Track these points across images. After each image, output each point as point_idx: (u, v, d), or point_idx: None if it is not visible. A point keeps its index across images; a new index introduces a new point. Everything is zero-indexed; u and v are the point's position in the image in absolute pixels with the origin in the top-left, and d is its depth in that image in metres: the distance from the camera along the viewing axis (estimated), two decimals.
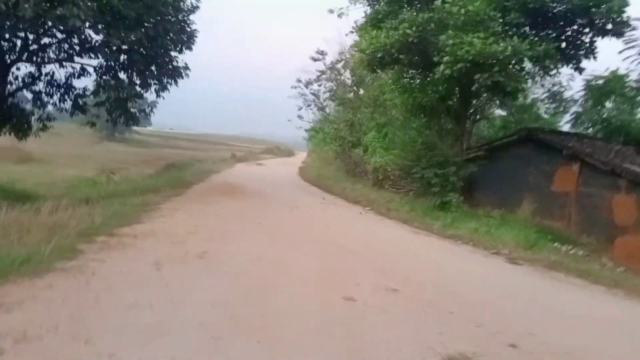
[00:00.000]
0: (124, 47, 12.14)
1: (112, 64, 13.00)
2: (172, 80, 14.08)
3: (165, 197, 12.19)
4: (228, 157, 40.86)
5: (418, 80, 14.98)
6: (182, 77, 14.21)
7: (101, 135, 53.47)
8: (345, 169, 24.65)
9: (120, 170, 21.22)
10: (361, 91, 24.27)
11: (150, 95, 14.62)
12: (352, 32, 16.20)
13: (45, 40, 12.78)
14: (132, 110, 14.24)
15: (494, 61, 11.43)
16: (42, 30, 11.48)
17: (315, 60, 27.21)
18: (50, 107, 14.08)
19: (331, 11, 18.32)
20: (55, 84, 13.68)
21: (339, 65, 26.56)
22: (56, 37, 12.70)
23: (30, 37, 12.43)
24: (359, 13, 20.54)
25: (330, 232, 9.96)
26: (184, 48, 13.80)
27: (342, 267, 6.83)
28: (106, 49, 11.81)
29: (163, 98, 13.86)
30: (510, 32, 12.15)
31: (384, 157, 18.30)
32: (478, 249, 9.68)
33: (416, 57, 13.33)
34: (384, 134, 19.69)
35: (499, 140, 14.47)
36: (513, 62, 12.30)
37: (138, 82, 13.37)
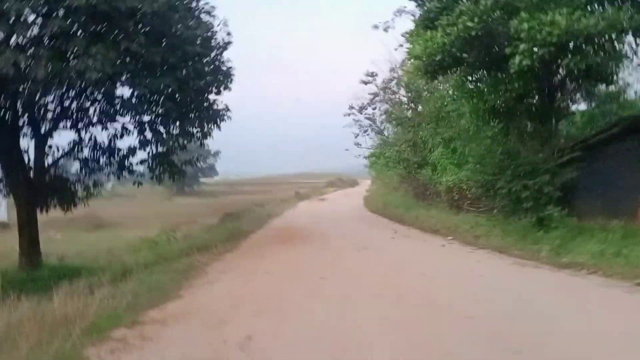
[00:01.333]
0: (157, 97, 11.27)
1: (149, 118, 12.19)
2: (214, 125, 13.06)
3: (215, 255, 10.82)
4: (292, 195, 40.08)
5: (487, 81, 12.87)
6: (224, 120, 13.17)
7: (172, 192, 54.90)
8: (413, 193, 22.96)
9: (181, 225, 20.53)
10: (419, 107, 22.38)
11: (195, 144, 13.74)
12: (401, 45, 14.67)
13: (87, 103, 12.28)
14: (177, 163, 13.34)
15: (585, 40, 9.26)
16: (72, 92, 10.88)
17: (366, 83, 25.72)
18: (97, 173, 13.48)
19: (376, 27, 17.10)
20: (99, 147, 13.06)
21: (392, 84, 24.87)
22: (92, 97, 12.11)
23: (67, 103, 11.98)
24: (406, 26, 18.99)
25: (409, 279, 7.97)
26: (221, 89, 12.73)
27: (435, 344, 4.81)
28: (137, 102, 10.97)
29: (206, 145, 12.85)
30: (594, 5, 9.99)
31: (457, 175, 16.25)
32: (613, 280, 7.24)
33: (482, 54, 11.37)
34: (453, 149, 17.59)
35: (596, 136, 12.02)
36: (608, 38, 10.02)
37: (177, 132, 12.44)
